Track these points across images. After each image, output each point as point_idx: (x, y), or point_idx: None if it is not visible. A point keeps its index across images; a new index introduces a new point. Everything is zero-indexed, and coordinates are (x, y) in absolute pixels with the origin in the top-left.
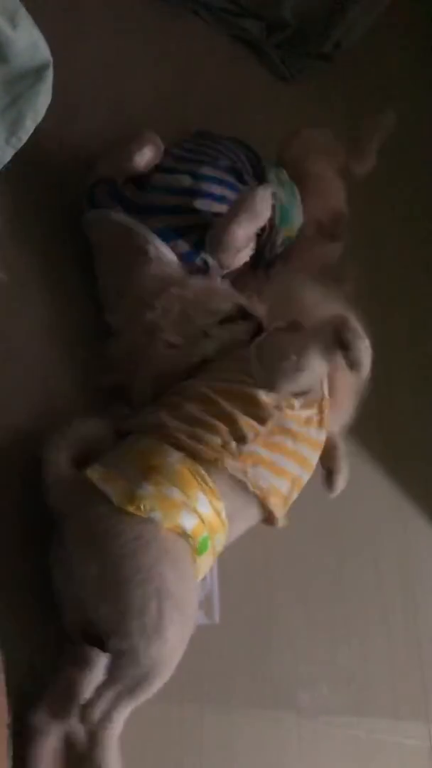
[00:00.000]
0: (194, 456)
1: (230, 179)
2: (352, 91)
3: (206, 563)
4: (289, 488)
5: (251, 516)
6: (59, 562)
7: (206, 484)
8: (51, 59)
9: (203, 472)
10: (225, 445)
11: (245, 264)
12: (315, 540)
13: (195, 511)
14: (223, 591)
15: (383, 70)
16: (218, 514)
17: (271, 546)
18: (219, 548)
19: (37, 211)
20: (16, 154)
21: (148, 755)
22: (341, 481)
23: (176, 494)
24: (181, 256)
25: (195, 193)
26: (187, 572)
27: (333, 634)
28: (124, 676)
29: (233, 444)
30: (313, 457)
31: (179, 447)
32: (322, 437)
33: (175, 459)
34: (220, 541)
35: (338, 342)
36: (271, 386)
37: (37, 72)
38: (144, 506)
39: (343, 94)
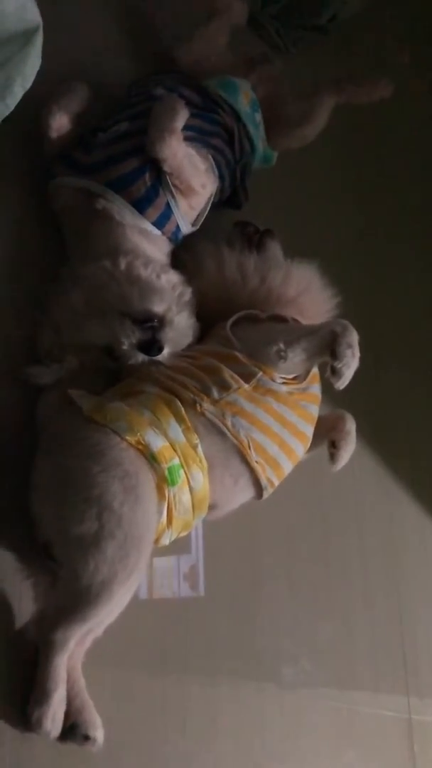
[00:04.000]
0: (174, 395)
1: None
2: (347, 64)
3: (183, 499)
4: (278, 452)
5: (235, 468)
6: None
7: (181, 415)
8: (41, 22)
9: (180, 406)
10: (205, 390)
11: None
12: (300, 517)
13: (165, 434)
14: (208, 564)
15: (380, 43)
16: (193, 447)
17: (256, 522)
18: (201, 493)
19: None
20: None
21: (133, 726)
22: (345, 456)
23: (146, 414)
24: (142, 200)
25: (137, 132)
26: (144, 497)
27: (316, 610)
28: (65, 589)
29: (214, 390)
30: (305, 427)
31: (161, 387)
32: (313, 409)
33: (154, 391)
34: (198, 479)
35: (331, 349)
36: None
37: (26, 35)
38: (109, 415)
39: (339, 66)
